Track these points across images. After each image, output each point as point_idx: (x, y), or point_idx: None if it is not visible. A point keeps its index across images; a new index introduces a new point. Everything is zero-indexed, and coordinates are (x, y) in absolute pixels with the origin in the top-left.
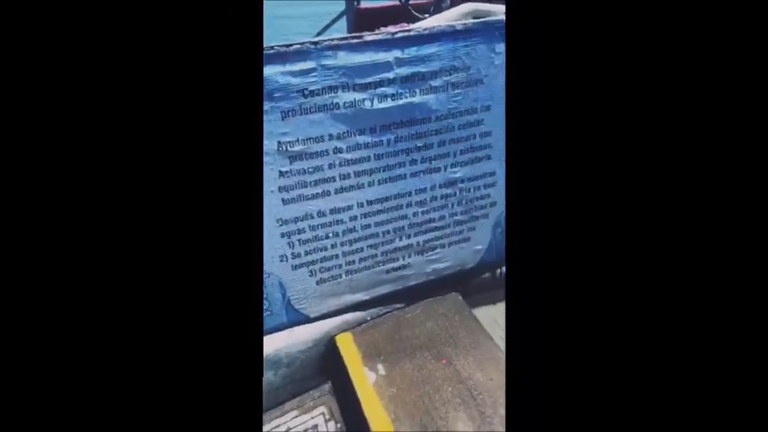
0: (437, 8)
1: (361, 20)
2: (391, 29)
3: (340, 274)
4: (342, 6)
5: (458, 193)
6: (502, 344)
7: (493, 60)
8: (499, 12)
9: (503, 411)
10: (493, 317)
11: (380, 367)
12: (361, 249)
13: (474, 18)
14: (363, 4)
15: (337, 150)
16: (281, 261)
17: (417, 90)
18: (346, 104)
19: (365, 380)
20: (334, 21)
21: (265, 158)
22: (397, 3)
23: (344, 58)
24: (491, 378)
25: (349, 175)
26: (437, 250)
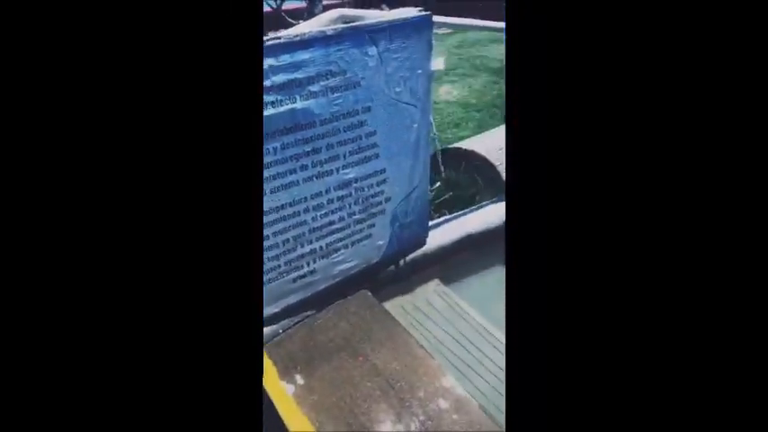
0: (310, 14)
1: None
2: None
3: None
4: None
5: (353, 193)
6: (413, 331)
7: (366, 63)
8: (368, 16)
9: (420, 394)
10: (402, 306)
11: (298, 377)
12: (263, 262)
13: (344, 23)
14: None
15: None
16: None
17: (297, 96)
18: None
19: (284, 394)
20: None
21: None
22: (270, 9)
23: None
24: (406, 365)
25: None
26: (341, 251)
